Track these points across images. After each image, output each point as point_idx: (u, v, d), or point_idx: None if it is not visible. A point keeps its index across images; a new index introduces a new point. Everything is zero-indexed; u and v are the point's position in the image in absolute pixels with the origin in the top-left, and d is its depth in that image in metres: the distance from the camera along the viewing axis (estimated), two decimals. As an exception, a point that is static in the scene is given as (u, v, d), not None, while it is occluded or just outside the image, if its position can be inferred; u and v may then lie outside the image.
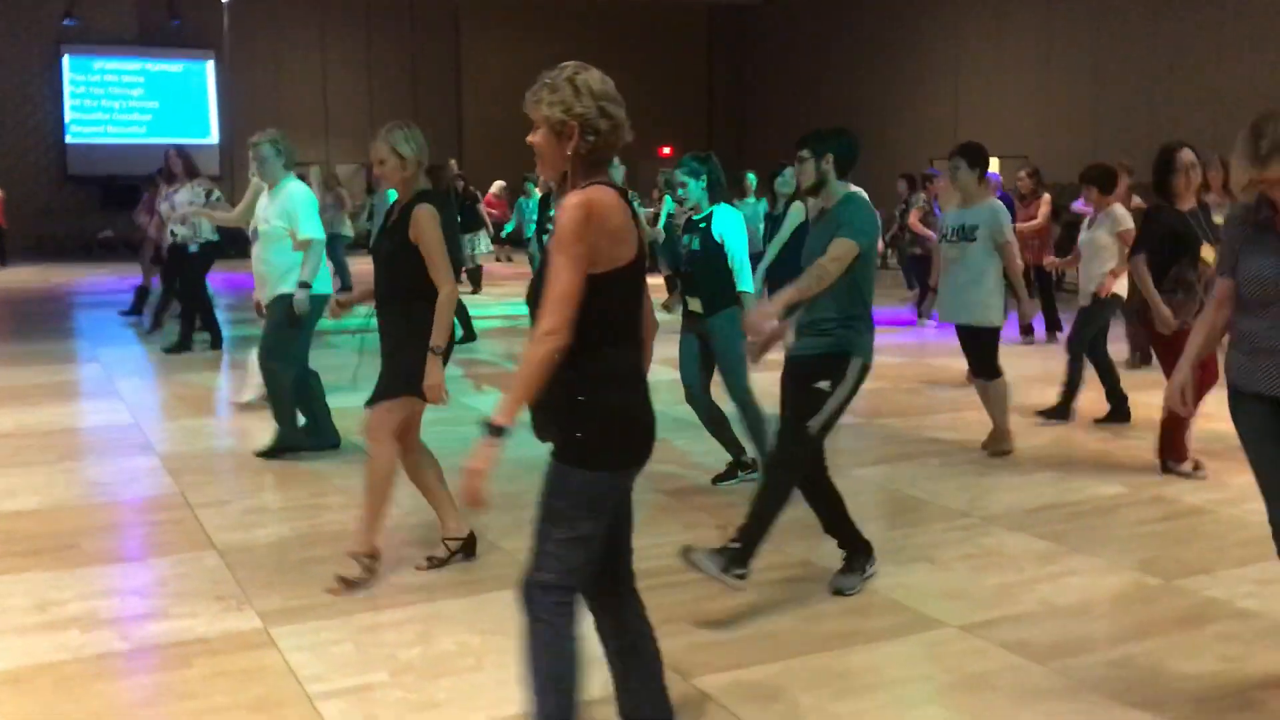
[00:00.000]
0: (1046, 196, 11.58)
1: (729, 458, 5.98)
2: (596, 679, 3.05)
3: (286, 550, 4.85)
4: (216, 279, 11.40)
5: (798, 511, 5.42)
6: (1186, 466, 6.05)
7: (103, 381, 9.00)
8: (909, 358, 10.16)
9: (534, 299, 2.81)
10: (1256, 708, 3.39)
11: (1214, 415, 7.59)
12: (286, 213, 6.31)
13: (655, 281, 11.60)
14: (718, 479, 5.98)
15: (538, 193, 13.00)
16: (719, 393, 5.88)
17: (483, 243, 15.56)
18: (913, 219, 12.76)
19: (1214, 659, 3.75)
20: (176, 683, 3.57)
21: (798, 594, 4.36)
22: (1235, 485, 5.91)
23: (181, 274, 10.51)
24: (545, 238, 9.36)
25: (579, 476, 2.76)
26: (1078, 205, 12.12)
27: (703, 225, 5.83)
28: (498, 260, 20.03)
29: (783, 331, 4.61)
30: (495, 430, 2.65)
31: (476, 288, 15.77)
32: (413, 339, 4.39)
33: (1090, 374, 7.48)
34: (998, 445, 6.58)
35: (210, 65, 26.59)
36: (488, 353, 10.44)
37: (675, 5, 29.56)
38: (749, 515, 4.27)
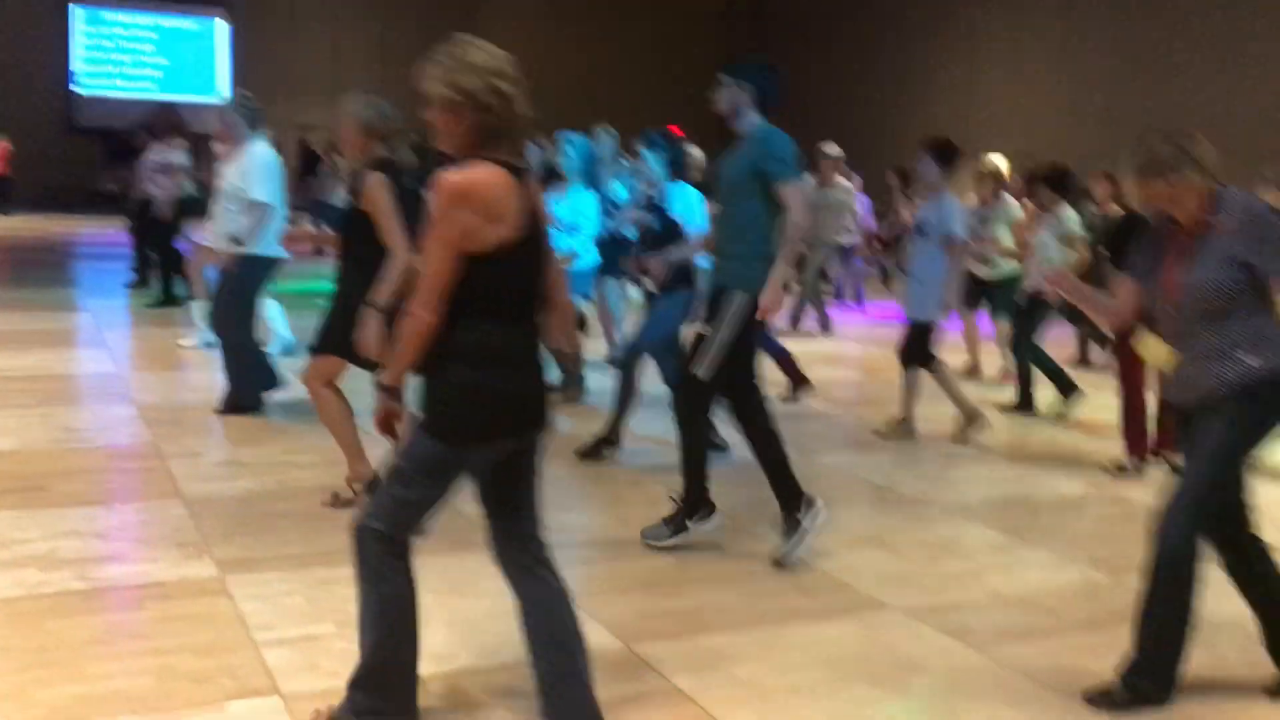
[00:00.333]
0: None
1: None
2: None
3: (252, 503, 4.92)
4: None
5: (752, 493, 5.50)
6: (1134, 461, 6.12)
7: (91, 331, 9.07)
8: (889, 349, 10.19)
9: None
10: (1178, 702, 3.45)
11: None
12: (243, 173, 6.42)
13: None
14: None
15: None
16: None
17: None
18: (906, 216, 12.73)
19: (1148, 654, 3.80)
20: (127, 623, 3.64)
21: (748, 571, 4.42)
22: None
23: (155, 229, 10.55)
24: None
25: (423, 443, 2.86)
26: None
27: (661, 205, 5.92)
28: None
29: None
30: (384, 389, 2.87)
31: None
32: (352, 298, 4.58)
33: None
34: (903, 431, 6.75)
35: (222, 23, 26.57)
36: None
37: (692, -15, 29.51)
38: (682, 475, 4.61)
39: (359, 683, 3.00)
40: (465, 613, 3.85)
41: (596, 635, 3.69)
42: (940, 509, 5.39)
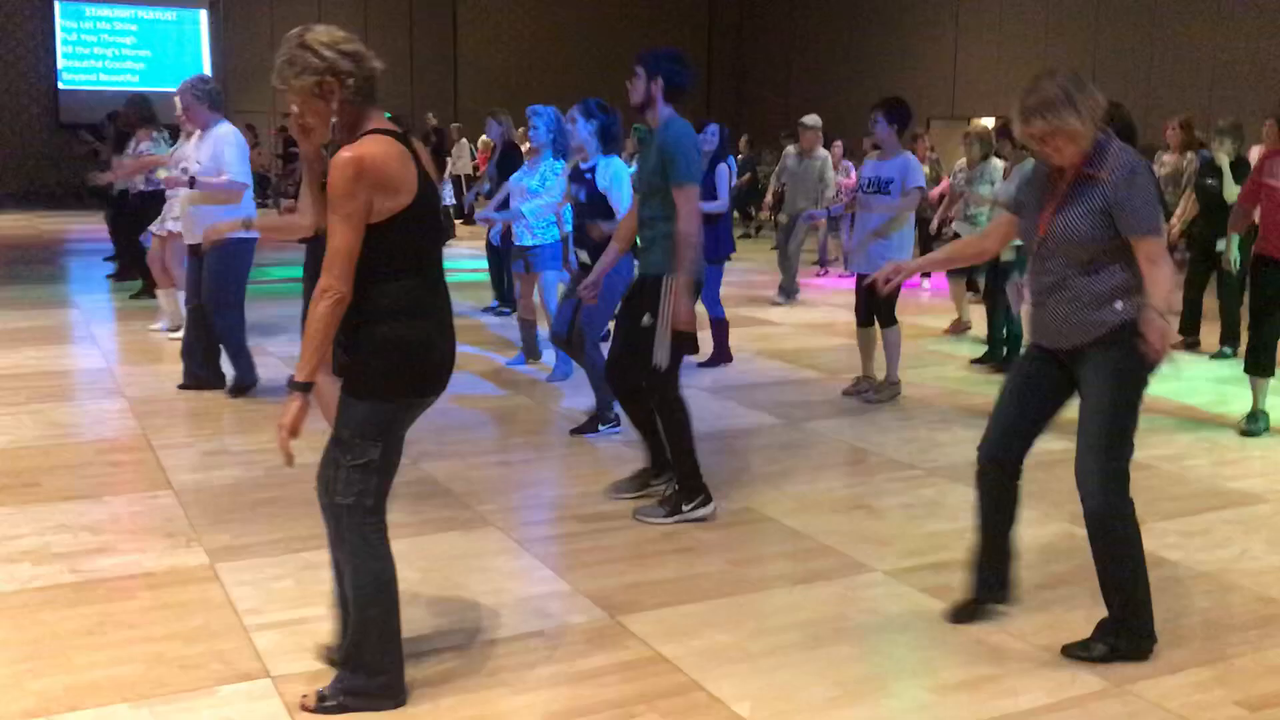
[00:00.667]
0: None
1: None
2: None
3: (241, 491, 4.96)
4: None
5: (739, 461, 5.56)
6: None
7: (80, 327, 9.09)
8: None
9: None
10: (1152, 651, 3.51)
11: (1182, 376, 7.72)
12: (215, 155, 6.47)
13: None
14: (576, 430, 6.05)
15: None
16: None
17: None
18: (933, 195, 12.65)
19: (1125, 605, 3.87)
20: (119, 613, 3.69)
21: (734, 539, 4.48)
22: (1181, 442, 6.02)
23: (125, 221, 10.57)
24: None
25: (363, 407, 2.94)
26: None
27: (588, 176, 5.94)
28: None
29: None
30: (300, 387, 2.86)
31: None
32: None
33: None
34: (890, 392, 6.92)
35: (204, 14, 26.44)
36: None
37: (673, -41, 29.33)
38: (673, 458, 4.69)
39: (349, 661, 3.08)
40: (452, 591, 3.90)
41: (581, 607, 3.76)
42: (925, 471, 5.44)
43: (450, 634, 3.56)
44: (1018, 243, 8.41)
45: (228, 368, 6.86)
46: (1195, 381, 7.60)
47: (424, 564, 4.11)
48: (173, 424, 6.11)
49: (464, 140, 17.67)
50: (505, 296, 9.90)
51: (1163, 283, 3.27)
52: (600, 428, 5.99)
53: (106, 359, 7.78)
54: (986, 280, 8.28)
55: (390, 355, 2.94)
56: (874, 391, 6.95)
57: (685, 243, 4.52)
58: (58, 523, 4.53)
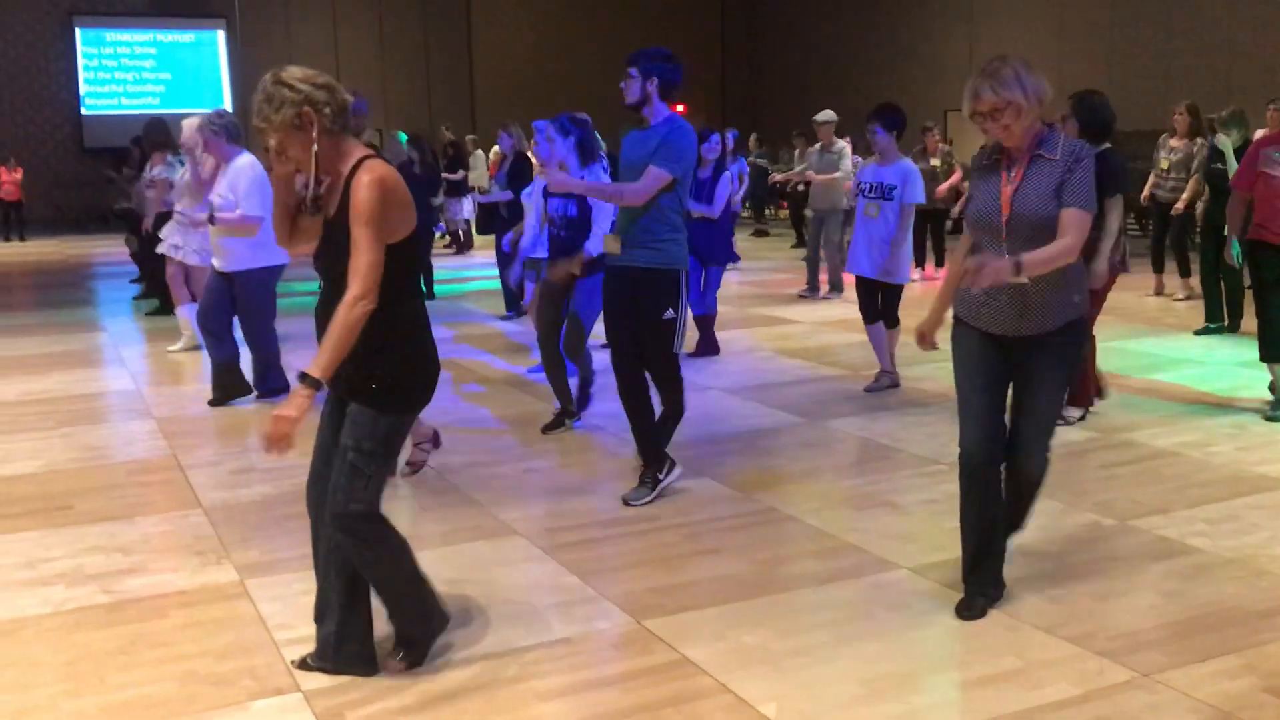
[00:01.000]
0: None
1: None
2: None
3: (269, 508, 5.02)
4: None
5: (762, 461, 5.57)
6: (1075, 412, 6.14)
7: (109, 349, 9.20)
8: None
9: (327, 267, 3.18)
10: (1180, 640, 3.50)
11: (1203, 361, 7.68)
12: (231, 188, 6.68)
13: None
14: (546, 428, 6.23)
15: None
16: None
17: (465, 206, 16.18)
18: (942, 189, 12.62)
19: (1153, 594, 3.86)
20: (151, 632, 3.74)
21: (758, 539, 4.49)
22: (1205, 428, 5.99)
23: (148, 241, 10.72)
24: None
25: (387, 420, 3.16)
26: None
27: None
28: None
29: None
30: (313, 383, 2.99)
31: (460, 247, 16.75)
32: None
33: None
34: (886, 381, 7.13)
35: (221, 34, 26.68)
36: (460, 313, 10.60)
37: (684, -40, 29.35)
38: (653, 437, 5.01)
39: (405, 639, 3.40)
40: (479, 600, 3.93)
41: (606, 612, 3.78)
42: (948, 466, 5.43)
43: (477, 642, 3.59)
44: None
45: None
46: (1219, 366, 7.55)
47: (450, 574, 4.14)
48: (201, 443, 6.18)
49: (479, 151, 17.77)
50: (513, 301, 10.12)
51: (1051, 254, 3.44)
52: (566, 420, 6.21)
53: (135, 381, 7.87)
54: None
55: (415, 372, 3.21)
56: (873, 381, 7.15)
57: (617, 194, 4.85)
58: (90, 544, 4.59)
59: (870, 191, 6.99)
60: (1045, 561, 4.19)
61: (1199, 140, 10.07)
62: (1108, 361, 7.35)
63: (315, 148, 3.07)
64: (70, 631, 3.75)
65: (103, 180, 19.51)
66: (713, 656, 3.44)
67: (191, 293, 8.54)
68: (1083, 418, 6.15)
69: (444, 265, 14.33)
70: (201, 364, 8.47)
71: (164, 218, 9.83)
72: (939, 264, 12.25)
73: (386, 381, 3.14)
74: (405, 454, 5.26)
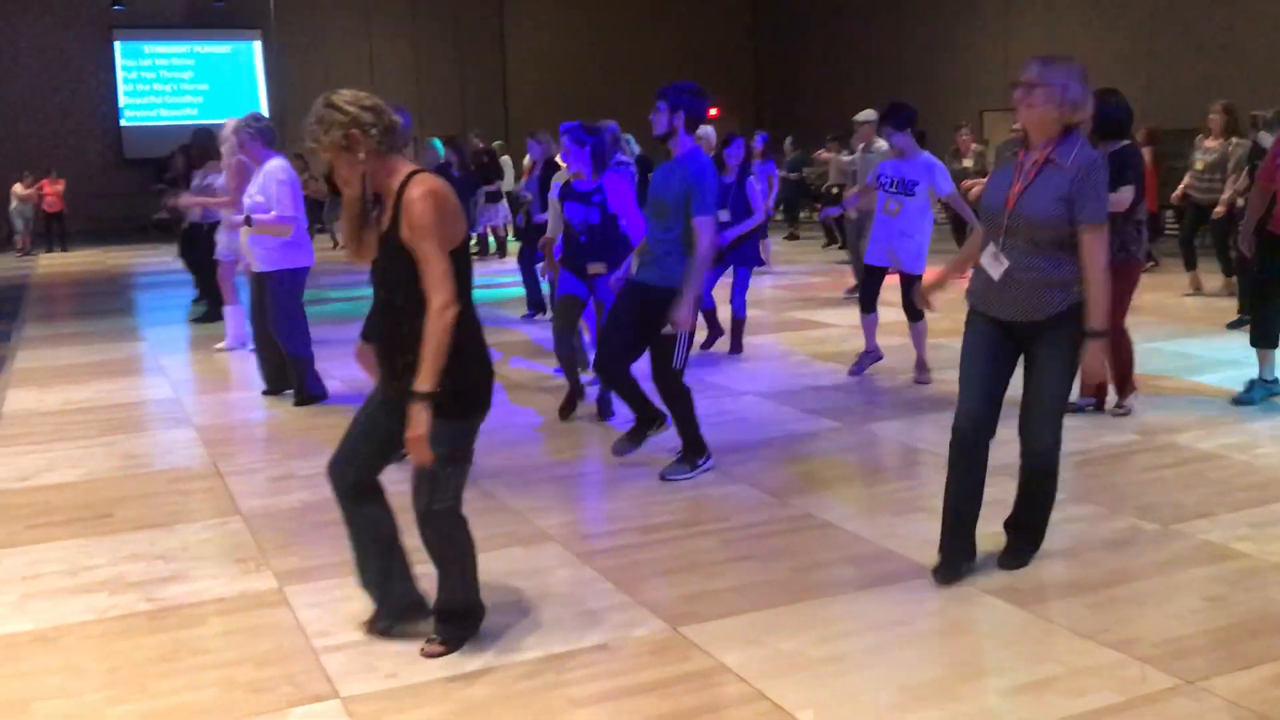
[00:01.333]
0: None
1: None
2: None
3: (307, 514, 5.05)
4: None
5: (798, 466, 5.56)
6: (1129, 401, 6.30)
7: (148, 359, 9.31)
8: (939, 312, 10.15)
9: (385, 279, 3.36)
10: (1225, 646, 3.45)
11: (1243, 362, 7.57)
12: (264, 190, 6.80)
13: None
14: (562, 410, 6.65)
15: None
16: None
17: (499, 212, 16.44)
18: (975, 192, 12.61)
19: (1197, 599, 3.81)
20: (192, 640, 3.77)
21: (794, 545, 4.47)
22: (1249, 430, 5.91)
23: (197, 245, 10.90)
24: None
25: (456, 425, 3.34)
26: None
27: (596, 199, 6.23)
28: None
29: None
30: (426, 397, 3.20)
31: (499, 252, 17.12)
32: None
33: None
34: (924, 377, 7.28)
35: (257, 45, 26.95)
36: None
37: (717, -36, 29.33)
38: (683, 431, 5.40)
39: (448, 614, 3.57)
40: (515, 607, 3.93)
41: (642, 618, 3.78)
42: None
43: (513, 649, 3.59)
44: None
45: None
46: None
47: (486, 580, 4.12)
48: (240, 451, 6.24)
49: (507, 158, 17.85)
50: (537, 302, 10.41)
51: (1100, 291, 3.75)
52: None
53: (175, 389, 7.96)
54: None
55: (474, 376, 3.37)
56: (919, 373, 7.35)
57: (699, 263, 5.18)
58: (131, 552, 4.64)
59: (892, 186, 7.08)
60: (1085, 566, 4.15)
61: (1234, 140, 9.97)
62: (1147, 363, 7.28)
63: (363, 168, 3.26)
64: (113, 638, 3.79)
65: (150, 192, 19.83)
66: (749, 663, 3.43)
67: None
68: (1097, 408, 6.32)
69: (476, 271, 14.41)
70: (239, 370, 8.56)
71: (213, 226, 10.05)
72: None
73: (449, 389, 3.24)
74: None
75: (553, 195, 6.76)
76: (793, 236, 19.17)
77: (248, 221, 6.86)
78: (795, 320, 10.23)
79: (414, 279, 3.25)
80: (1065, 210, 3.72)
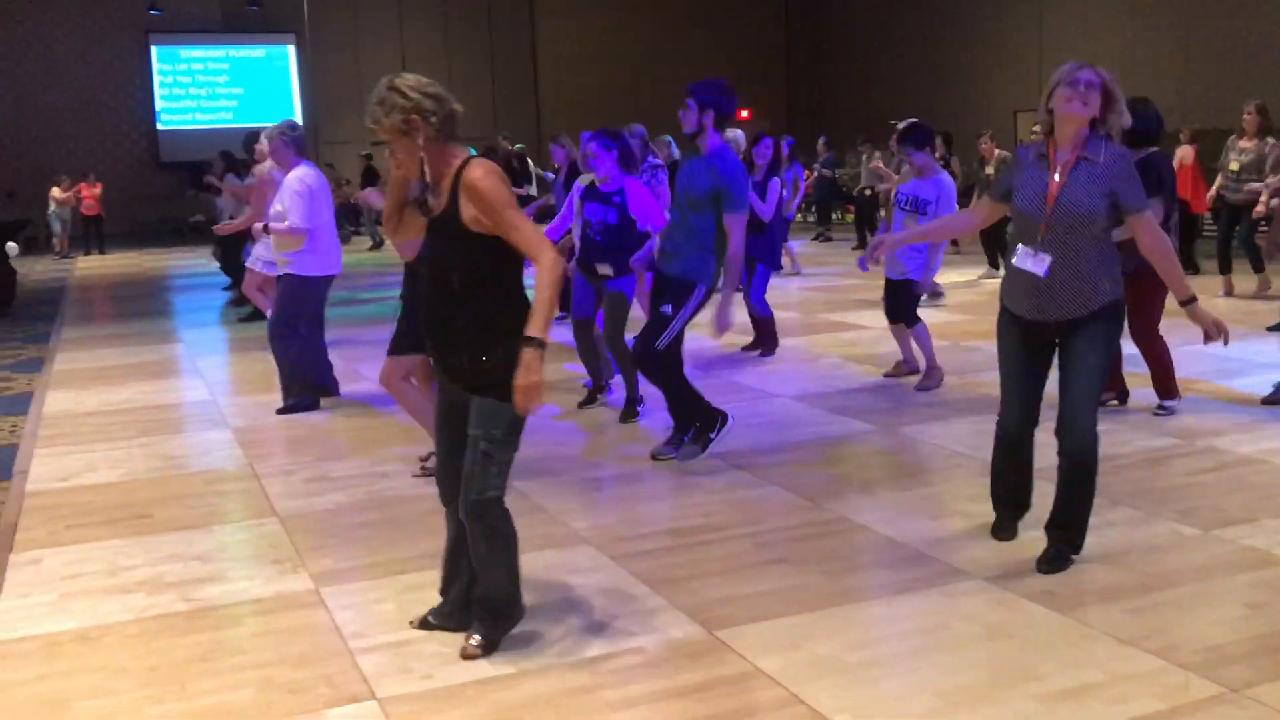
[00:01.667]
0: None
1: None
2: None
3: (342, 516, 5.08)
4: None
5: (832, 470, 5.53)
6: (1171, 403, 6.35)
7: (185, 360, 9.40)
8: (975, 314, 10.11)
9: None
10: (1269, 654, 3.40)
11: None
12: (281, 198, 6.92)
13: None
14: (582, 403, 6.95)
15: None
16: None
17: None
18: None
19: (1239, 606, 3.75)
20: (229, 640, 3.80)
21: (829, 549, 4.45)
22: (1291, 434, 5.82)
23: (234, 250, 11.06)
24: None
25: (512, 408, 3.31)
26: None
27: (617, 200, 6.32)
28: None
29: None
30: (539, 344, 3.23)
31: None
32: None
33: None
34: (935, 379, 7.25)
35: (291, 49, 27.16)
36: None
37: (748, -34, 29.28)
38: (686, 409, 5.57)
39: (489, 612, 3.54)
40: (549, 610, 3.94)
41: (677, 622, 3.77)
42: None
43: (547, 652, 3.59)
44: None
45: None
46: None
47: (522, 581, 4.15)
48: (275, 452, 6.28)
49: (528, 160, 17.90)
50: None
51: (1172, 265, 4.00)
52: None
53: (211, 391, 8.02)
54: None
55: None
56: (924, 378, 7.27)
57: (733, 261, 5.31)
58: (169, 553, 4.68)
59: (906, 204, 7.23)
60: (1125, 572, 4.10)
61: (1270, 140, 9.86)
62: (1185, 366, 7.18)
63: (421, 153, 3.31)
64: (151, 638, 3.82)
65: (185, 196, 20.11)
66: (785, 667, 3.41)
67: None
68: (1120, 402, 6.44)
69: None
70: (275, 373, 8.60)
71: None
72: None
73: (508, 370, 3.26)
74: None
75: (574, 194, 6.81)
76: (825, 238, 19.10)
77: (266, 229, 7.04)
78: (826, 322, 10.19)
79: (471, 260, 3.31)
80: (1107, 204, 3.85)
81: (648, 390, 6.53)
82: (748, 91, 26.75)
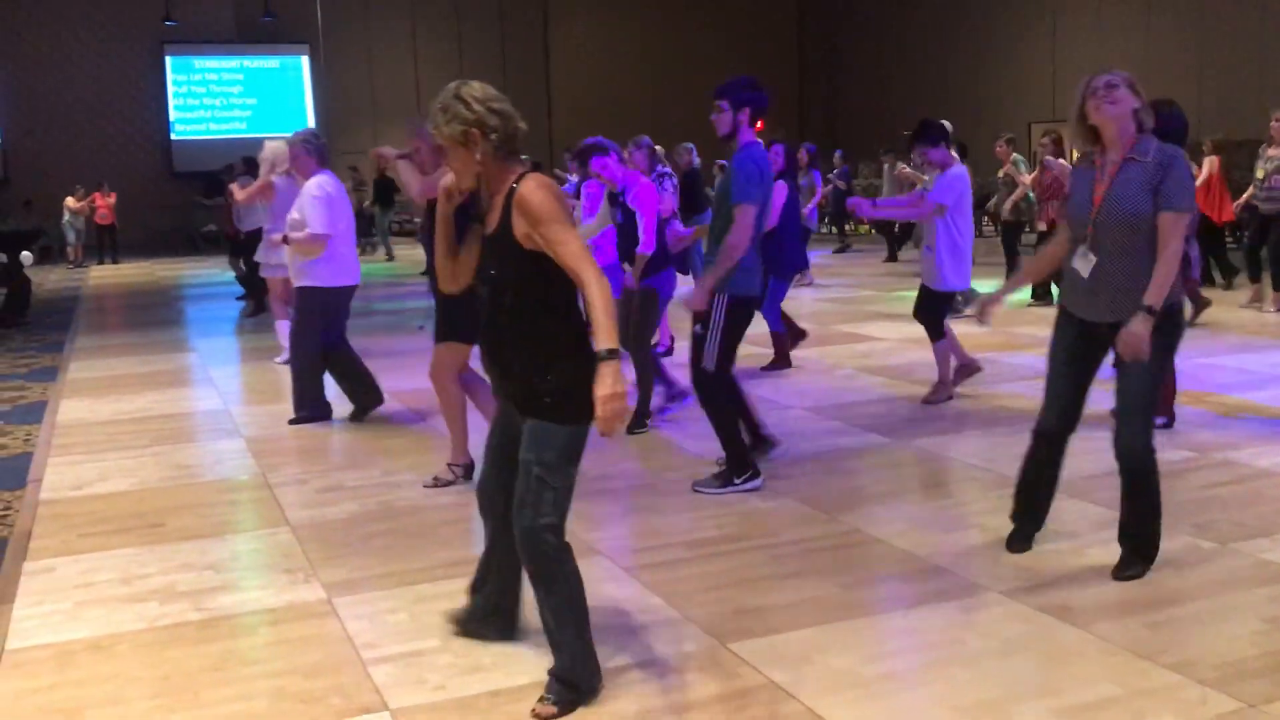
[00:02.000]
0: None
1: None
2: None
3: (355, 526, 5.07)
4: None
5: (846, 482, 5.51)
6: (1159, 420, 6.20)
7: (198, 370, 9.41)
8: (994, 326, 10.05)
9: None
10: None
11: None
12: (300, 206, 6.90)
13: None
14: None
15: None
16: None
17: None
18: (1008, 205, 12.43)
19: (1257, 620, 3.72)
20: (241, 650, 3.79)
21: (844, 561, 4.42)
22: (1309, 447, 5.79)
23: (247, 255, 11.12)
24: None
25: (566, 431, 3.17)
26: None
27: (624, 198, 6.45)
28: None
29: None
30: (614, 355, 3.02)
31: None
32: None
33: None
34: (943, 393, 7.18)
35: (305, 59, 27.27)
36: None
37: (761, -23, 29.34)
38: (721, 440, 5.31)
39: (565, 678, 3.27)
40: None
41: (691, 635, 3.75)
42: (1096, 478, 5.30)
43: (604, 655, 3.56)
44: None
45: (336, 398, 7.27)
46: (1323, 383, 7.30)
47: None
48: (288, 462, 6.28)
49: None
50: None
51: (1165, 274, 3.82)
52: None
53: (224, 400, 8.03)
54: None
55: (586, 379, 3.07)
56: (931, 392, 7.22)
57: (726, 251, 5.06)
58: (182, 562, 4.68)
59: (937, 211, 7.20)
60: (1142, 585, 4.07)
61: None
62: (1205, 379, 7.17)
63: (478, 167, 3.21)
64: (164, 647, 3.82)
65: (199, 205, 20.19)
66: (800, 680, 3.39)
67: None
68: (1168, 425, 6.22)
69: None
70: (288, 383, 8.61)
71: (257, 234, 10.27)
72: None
73: (561, 392, 3.17)
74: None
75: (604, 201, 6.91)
76: (843, 249, 19.08)
77: (285, 239, 6.99)
78: (841, 334, 10.17)
79: (525, 278, 3.19)
80: (1153, 202, 3.84)
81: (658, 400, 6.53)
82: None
